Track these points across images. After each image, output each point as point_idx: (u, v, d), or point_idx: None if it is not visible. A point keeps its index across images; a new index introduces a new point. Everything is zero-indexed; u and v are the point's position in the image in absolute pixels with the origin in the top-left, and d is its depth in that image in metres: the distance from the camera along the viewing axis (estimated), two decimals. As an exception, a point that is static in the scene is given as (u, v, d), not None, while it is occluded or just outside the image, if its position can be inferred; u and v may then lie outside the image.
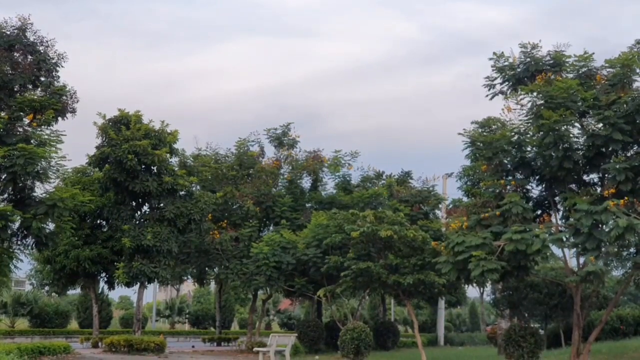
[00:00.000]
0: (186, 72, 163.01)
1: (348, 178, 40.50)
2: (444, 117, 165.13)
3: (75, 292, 56.19)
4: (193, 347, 40.94)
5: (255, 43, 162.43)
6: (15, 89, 27.12)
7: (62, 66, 28.03)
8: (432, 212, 40.24)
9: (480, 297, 50.87)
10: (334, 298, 33.51)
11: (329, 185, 40.70)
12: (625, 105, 20.17)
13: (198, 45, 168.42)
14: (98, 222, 34.21)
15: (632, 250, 21.40)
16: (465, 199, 30.14)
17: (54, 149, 25.66)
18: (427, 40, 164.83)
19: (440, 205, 41.58)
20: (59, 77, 28.11)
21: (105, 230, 33.81)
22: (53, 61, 27.92)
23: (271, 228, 38.25)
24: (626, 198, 19.36)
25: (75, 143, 29.77)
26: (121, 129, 31.49)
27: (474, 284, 33.88)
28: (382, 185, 39.73)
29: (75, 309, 57.20)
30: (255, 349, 30.76)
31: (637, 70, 21.17)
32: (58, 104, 27.09)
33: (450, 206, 36.37)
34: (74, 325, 57.83)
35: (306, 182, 40.24)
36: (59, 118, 27.44)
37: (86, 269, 32.60)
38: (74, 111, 28.04)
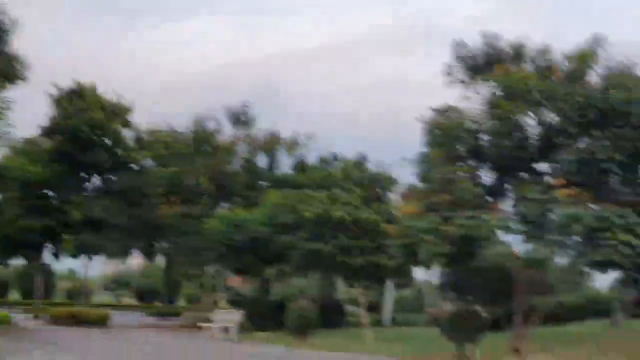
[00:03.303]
0: (145, 45, 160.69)
1: (304, 158, 40.51)
2: (403, 102, 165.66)
3: (18, 262, 55.25)
4: (138, 321, 40.67)
5: (217, 20, 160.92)
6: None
7: (14, 33, 27.35)
8: (385, 196, 40.52)
9: (428, 280, 51.47)
10: (283, 277, 33.64)
11: (285, 164, 40.72)
12: (579, 99, 20.56)
13: (160, 18, 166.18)
14: (46, 192, 33.62)
15: (576, 238, 21.90)
16: (418, 184, 30.45)
17: (1, 115, 25.06)
18: (394, 26, 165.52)
19: (393, 189, 41.88)
20: (11, 43, 27.44)
21: (54, 201, 33.27)
22: (5, 28, 27.21)
23: (224, 205, 38.09)
24: (575, 188, 19.80)
25: (27, 112, 29.21)
26: (76, 100, 31.00)
27: (422, 267, 34.46)
28: (337, 167, 39.84)
29: (18, 280, 56.28)
30: (202, 324, 30.74)
31: (593, 65, 21.61)
32: (9, 71, 26.46)
33: (404, 190, 36.74)
34: (15, 295, 56.94)
35: (262, 161, 40.15)
36: (9, 85, 26.77)
37: (31, 239, 32.02)
38: (24, 78, 27.42)
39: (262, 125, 40.36)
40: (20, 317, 33.83)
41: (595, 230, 19.40)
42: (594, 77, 21.75)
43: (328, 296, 50.40)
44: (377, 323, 51.02)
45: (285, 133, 39.90)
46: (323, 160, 40.69)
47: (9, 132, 26.29)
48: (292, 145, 39.40)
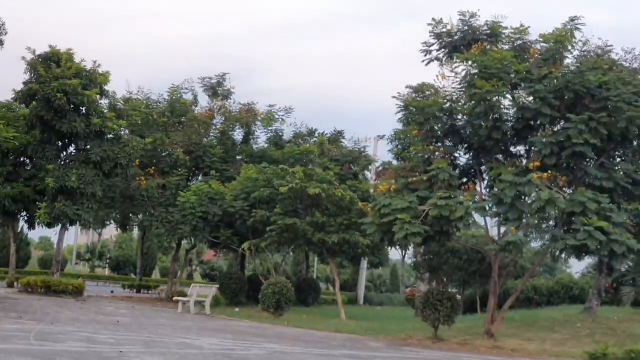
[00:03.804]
0: (119, 13, 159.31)
1: (280, 133, 40.36)
2: (380, 79, 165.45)
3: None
4: (112, 292, 40.63)
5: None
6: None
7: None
8: (361, 173, 40.54)
9: (402, 259, 51.70)
10: (258, 252, 33.61)
11: (261, 139, 40.55)
12: (555, 81, 20.52)
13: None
14: (22, 160, 33.19)
15: (551, 223, 21.97)
16: (395, 162, 30.49)
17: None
18: (364, 2, 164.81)
19: (370, 167, 41.93)
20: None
21: (28, 168, 32.87)
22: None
23: (200, 178, 37.94)
24: (550, 172, 19.80)
25: (1, 77, 28.81)
26: (51, 67, 30.61)
27: (397, 247, 34.48)
28: (313, 143, 39.74)
29: (-8, 247, 55.90)
30: (176, 298, 30.70)
31: (569, 47, 21.58)
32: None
33: (380, 168, 36.80)
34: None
35: (238, 135, 39.98)
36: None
37: (6, 207, 31.60)
38: (1, 43, 27.05)
39: (239, 99, 40.19)
40: (-7, 285, 33.71)
41: (570, 215, 19.48)
42: (570, 60, 21.74)
43: (303, 273, 50.59)
44: (352, 301, 51.37)
45: (261, 107, 39.67)
46: (298, 136, 40.54)
47: None
48: (269, 119, 39.16)
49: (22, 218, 34.91)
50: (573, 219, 19.29)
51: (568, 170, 20.80)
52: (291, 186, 29.40)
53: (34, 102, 30.94)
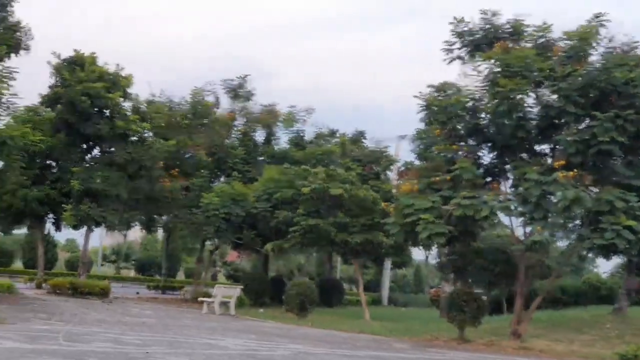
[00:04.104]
0: (139, 15, 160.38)
1: (302, 134, 40.43)
2: (401, 78, 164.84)
3: (21, 232, 55.44)
4: (137, 293, 40.86)
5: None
6: (-33, 23, 26.25)
7: (17, 1, 27.17)
8: (383, 173, 40.44)
9: (426, 260, 51.64)
10: (281, 253, 33.67)
11: (283, 139, 40.67)
12: (580, 78, 20.31)
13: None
14: (48, 162, 33.56)
15: (577, 222, 21.78)
16: (417, 162, 30.31)
17: (5, 85, 24.81)
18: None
19: (392, 167, 41.80)
20: (13, 12, 27.27)
21: (54, 171, 33.23)
22: (8, -3, 27.02)
23: (222, 179, 38.10)
24: (575, 170, 19.59)
25: (28, 81, 29.10)
26: (75, 70, 30.91)
27: (421, 247, 34.38)
28: (335, 143, 39.73)
29: (21, 249, 56.53)
30: (200, 299, 30.81)
31: (594, 44, 21.35)
32: (11, 39, 26.33)
33: (402, 168, 36.60)
34: (18, 265, 57.22)
35: (260, 136, 40.10)
36: (12, 54, 26.65)
37: (33, 209, 32.00)
38: (27, 48, 27.33)
39: (260, 100, 40.26)
40: (22, 286, 34.04)
41: (597, 214, 19.29)
42: (595, 57, 21.50)
43: (326, 273, 50.56)
44: (375, 302, 51.27)
45: (282, 107, 39.79)
46: (320, 136, 40.54)
47: (14, 102, 26.21)
48: (290, 119, 39.20)
49: (48, 220, 35.32)
50: (600, 217, 19.09)
51: (594, 169, 20.57)
52: (313, 187, 29.43)
53: (59, 106, 31.29)
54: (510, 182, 23.02)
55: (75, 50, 31.80)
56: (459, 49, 23.47)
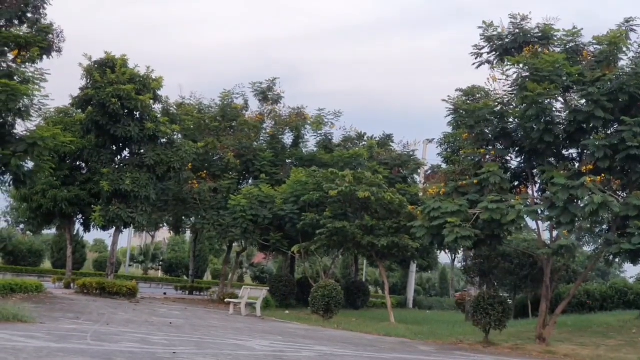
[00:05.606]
0: (170, 18, 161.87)
1: (330, 137, 40.61)
2: (428, 82, 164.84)
3: (50, 232, 56.17)
4: (165, 294, 41.22)
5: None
6: (1, 24, 26.64)
7: (50, 4, 27.51)
8: (410, 177, 40.50)
9: (452, 263, 51.34)
10: (307, 255, 33.80)
11: (311, 142, 40.88)
12: (609, 83, 20.20)
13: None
14: (78, 163, 34.05)
15: (604, 227, 21.63)
16: (444, 166, 30.29)
17: (37, 87, 25.07)
18: (416, 3, 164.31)
19: (419, 170, 41.84)
20: (46, 14, 27.61)
21: (84, 172, 33.66)
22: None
23: (250, 181, 38.39)
24: (603, 175, 19.49)
25: (59, 83, 29.53)
26: (106, 72, 31.31)
27: (447, 250, 34.41)
28: (362, 147, 39.86)
29: (50, 249, 57.21)
30: (227, 300, 31.02)
31: (624, 49, 21.23)
32: (44, 41, 26.66)
33: (429, 172, 36.62)
34: (47, 265, 57.89)
35: (288, 138, 40.30)
36: (44, 56, 27.01)
37: (63, 209, 32.45)
38: (59, 50, 27.62)
39: (288, 103, 40.56)
40: (51, 286, 34.50)
41: (625, 219, 19.19)
42: (624, 61, 21.38)
43: (352, 275, 50.63)
44: (401, 305, 51.26)
45: (310, 110, 40.01)
46: (348, 139, 40.67)
47: (45, 104, 26.57)
48: (318, 122, 39.39)
49: (77, 221, 35.79)
50: (627, 222, 19.01)
51: (622, 173, 20.46)
52: (340, 189, 29.52)
53: (89, 107, 31.68)
54: (537, 186, 22.98)
55: (106, 52, 32.23)
56: (488, 53, 23.44)
